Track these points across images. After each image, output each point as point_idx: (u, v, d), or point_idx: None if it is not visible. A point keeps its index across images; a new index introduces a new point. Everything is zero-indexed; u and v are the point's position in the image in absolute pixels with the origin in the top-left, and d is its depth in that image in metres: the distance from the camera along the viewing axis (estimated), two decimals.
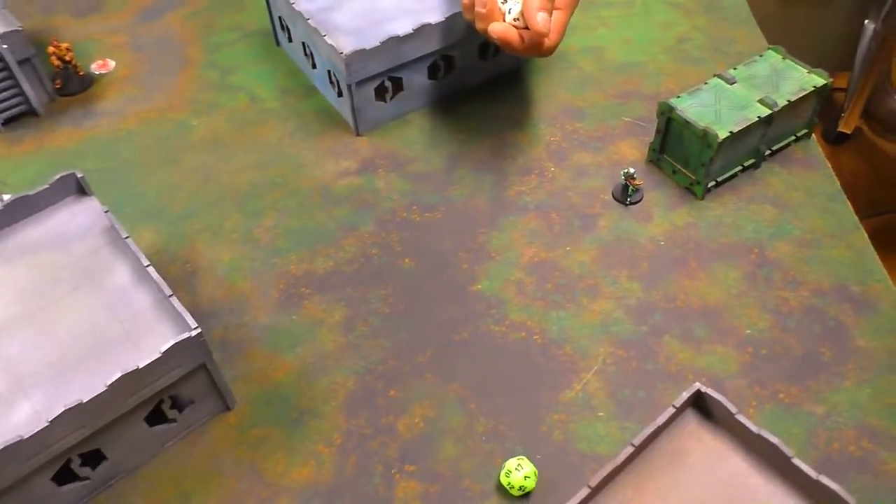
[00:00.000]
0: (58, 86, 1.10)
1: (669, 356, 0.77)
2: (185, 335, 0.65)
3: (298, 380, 0.77)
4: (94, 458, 0.67)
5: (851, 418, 0.71)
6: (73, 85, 1.10)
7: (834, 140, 2.53)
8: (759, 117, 0.86)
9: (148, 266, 0.70)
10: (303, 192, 0.95)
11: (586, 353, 0.77)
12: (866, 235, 0.85)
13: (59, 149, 1.02)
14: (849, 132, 1.81)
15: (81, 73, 1.11)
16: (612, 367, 0.76)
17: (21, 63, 1.03)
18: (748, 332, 0.78)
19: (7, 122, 1.05)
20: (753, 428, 0.57)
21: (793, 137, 0.95)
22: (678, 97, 0.90)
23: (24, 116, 1.06)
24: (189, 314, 0.67)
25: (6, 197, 0.89)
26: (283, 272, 0.86)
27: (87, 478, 0.67)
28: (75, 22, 1.25)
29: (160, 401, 0.68)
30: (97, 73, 1.14)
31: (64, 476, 0.65)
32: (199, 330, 0.65)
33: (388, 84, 0.99)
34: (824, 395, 0.73)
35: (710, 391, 0.59)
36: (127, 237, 0.73)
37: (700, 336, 0.78)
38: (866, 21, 2.04)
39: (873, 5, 2.07)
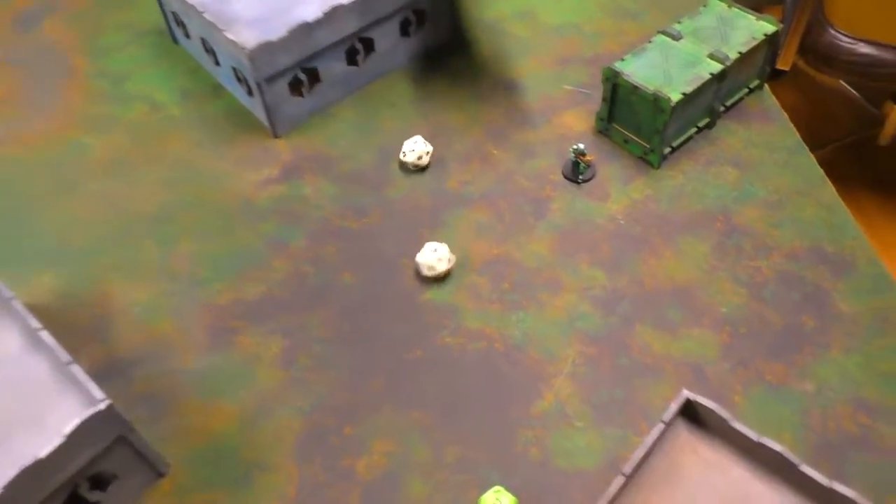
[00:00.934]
0: None
1: (644, 347, 0.70)
2: (93, 410, 0.55)
3: (240, 429, 0.68)
4: None
5: (843, 392, 0.66)
6: None
7: (771, 76, 2.50)
8: (711, 74, 0.79)
9: (40, 330, 0.60)
10: (221, 210, 0.85)
11: (554, 356, 0.70)
12: (834, 189, 0.80)
13: None
14: (787, 69, 1.77)
15: None
16: (583, 367, 0.69)
17: None
18: (724, 309, 0.72)
19: None
20: (753, 436, 0.51)
21: (746, 90, 0.89)
22: (623, 60, 0.82)
23: None
24: (93, 383, 0.57)
25: None
26: (209, 305, 0.76)
27: None
28: None
29: (76, 485, 0.58)
30: None
31: None
32: (107, 402, 0.56)
33: (302, 76, 0.89)
34: (812, 370, 0.67)
35: (699, 399, 0.52)
36: (12, 297, 0.62)
37: (674, 320, 0.72)
38: None
39: None
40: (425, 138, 0.89)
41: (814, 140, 2.32)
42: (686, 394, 0.53)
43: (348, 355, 0.72)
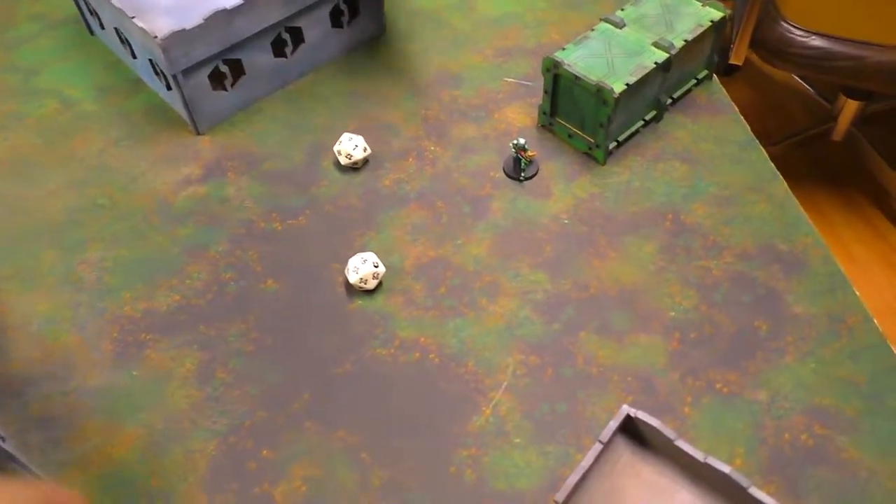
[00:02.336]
0: None
1: (589, 356, 0.66)
2: None
3: (146, 454, 0.61)
4: None
5: (798, 401, 0.62)
6: None
7: (724, 72, 2.50)
8: (656, 63, 0.75)
9: None
10: (135, 213, 0.78)
11: (493, 367, 0.65)
12: (786, 185, 0.76)
13: None
14: (739, 63, 1.75)
15: None
16: (524, 378, 0.64)
17: None
18: (672, 314, 0.68)
19: None
20: (699, 456, 0.46)
21: (694, 81, 0.85)
22: (563, 49, 0.77)
23: None
24: None
25: None
26: (117, 316, 0.70)
27: None
28: None
29: None
30: None
31: None
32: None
33: (224, 69, 0.83)
34: (765, 377, 0.63)
35: (641, 415, 0.48)
36: None
37: (620, 327, 0.67)
38: None
39: None
40: (358, 134, 0.83)
41: (768, 136, 2.32)
42: (626, 409, 0.48)
43: (270, 370, 0.66)
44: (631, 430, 0.50)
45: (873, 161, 2.18)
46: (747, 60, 1.76)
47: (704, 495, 0.47)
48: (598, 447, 0.47)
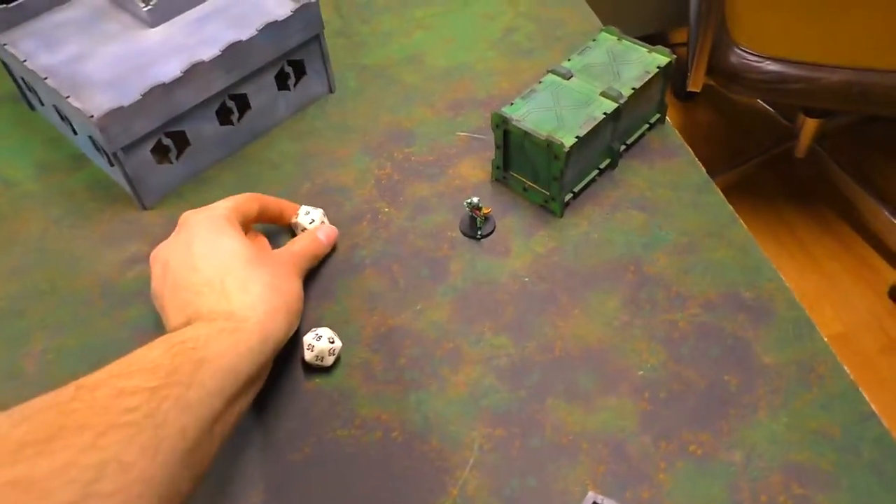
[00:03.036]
0: None
1: (557, 424, 0.63)
2: None
3: None
4: None
5: (774, 459, 0.60)
6: None
7: (685, 97, 2.52)
8: (605, 113, 0.74)
9: None
10: (79, 297, 0.75)
11: (458, 442, 0.63)
12: (746, 228, 0.75)
13: None
14: (697, 90, 1.76)
15: None
16: (490, 453, 0.62)
17: None
18: (641, 372, 0.66)
19: None
20: None
21: (646, 125, 0.84)
22: (511, 104, 0.76)
23: None
24: None
25: None
26: None
27: None
28: None
29: None
30: None
31: None
32: None
33: (167, 142, 0.80)
34: (739, 436, 0.61)
35: (607, 502, 0.45)
36: None
37: (588, 389, 0.65)
38: None
39: None
40: (306, 201, 0.81)
41: (733, 156, 2.33)
42: (592, 497, 0.46)
43: (219, 463, 0.62)
44: None
45: (837, 176, 2.21)
46: (709, 85, 1.77)
47: None
48: None
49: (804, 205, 2.20)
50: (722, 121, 2.46)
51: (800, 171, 2.28)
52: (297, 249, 0.71)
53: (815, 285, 2.00)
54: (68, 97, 0.75)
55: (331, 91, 0.94)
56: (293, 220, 0.77)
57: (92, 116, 0.72)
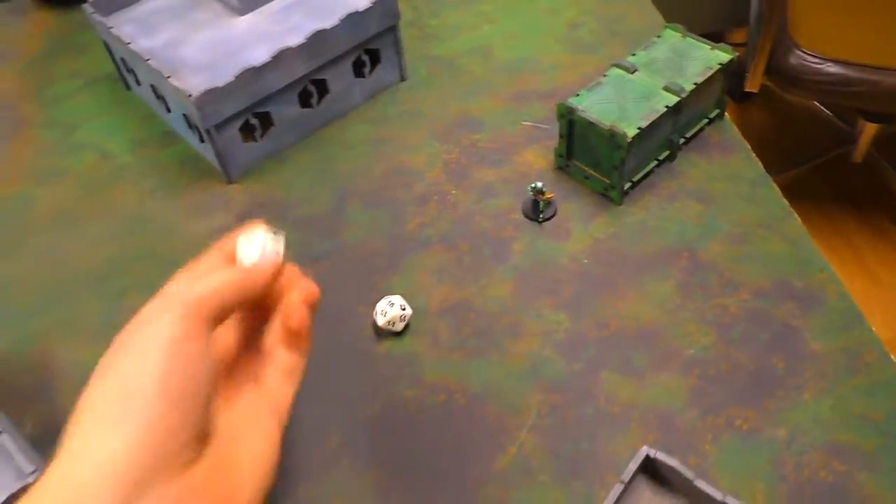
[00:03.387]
0: None
1: (610, 395, 0.68)
2: (21, 483, 0.52)
3: None
4: None
5: (817, 438, 0.63)
6: None
7: (740, 98, 2.51)
8: (667, 106, 0.78)
9: None
10: (172, 261, 0.81)
11: (517, 407, 0.67)
12: (800, 221, 0.78)
13: None
14: (755, 91, 1.77)
15: None
16: (547, 418, 0.67)
17: None
18: (691, 352, 0.70)
19: None
20: (718, 495, 0.48)
21: (705, 121, 0.87)
22: (577, 95, 0.81)
23: None
24: (23, 455, 0.53)
25: None
26: None
27: None
28: None
29: None
30: None
31: None
32: (37, 473, 0.52)
33: (254, 121, 0.87)
34: (784, 415, 0.65)
35: (661, 456, 0.50)
36: None
37: (640, 365, 0.69)
38: None
39: None
40: (380, 183, 0.86)
41: (788, 159, 2.33)
42: (646, 450, 0.50)
43: (302, 413, 0.68)
44: (651, 469, 0.51)
45: (895, 182, 2.18)
46: (765, 86, 1.78)
47: None
48: (619, 487, 0.49)
49: (858, 211, 2.18)
50: (777, 123, 2.45)
51: (855, 176, 2.26)
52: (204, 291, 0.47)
53: (866, 292, 1.99)
54: (169, 77, 0.82)
55: (402, 79, 1.00)
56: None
57: (190, 95, 0.79)
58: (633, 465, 0.50)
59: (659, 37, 0.87)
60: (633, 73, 0.82)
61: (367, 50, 0.93)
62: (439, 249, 0.80)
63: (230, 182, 0.89)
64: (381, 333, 0.74)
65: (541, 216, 0.81)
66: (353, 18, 0.87)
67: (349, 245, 0.82)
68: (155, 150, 0.95)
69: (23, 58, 1.11)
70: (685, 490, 0.50)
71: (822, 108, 2.43)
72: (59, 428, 0.69)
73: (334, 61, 0.90)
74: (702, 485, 0.48)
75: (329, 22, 0.86)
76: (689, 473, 0.49)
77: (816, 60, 1.69)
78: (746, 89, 1.79)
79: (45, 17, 1.20)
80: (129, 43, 0.87)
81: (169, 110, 0.93)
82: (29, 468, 0.53)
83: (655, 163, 0.83)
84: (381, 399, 0.69)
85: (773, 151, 2.37)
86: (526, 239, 0.80)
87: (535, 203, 0.81)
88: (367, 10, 0.88)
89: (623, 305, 0.74)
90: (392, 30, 0.94)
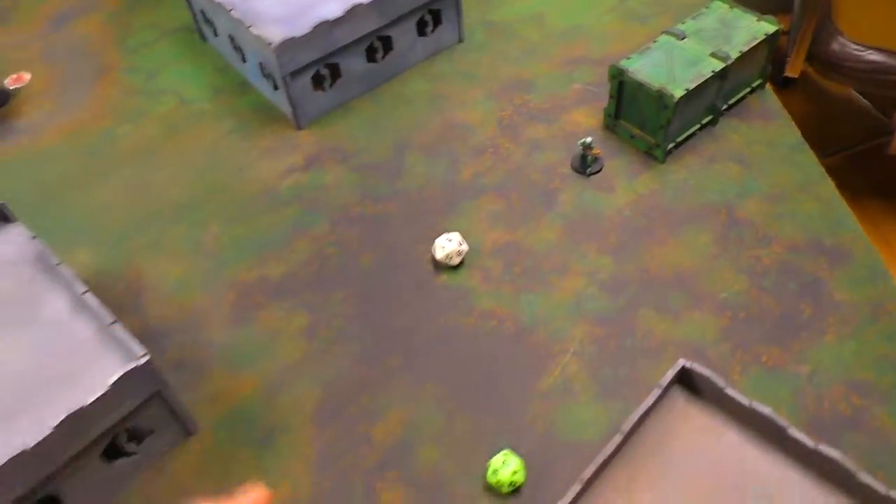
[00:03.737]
0: None
1: (647, 330, 0.74)
2: (133, 364, 0.60)
3: (263, 395, 0.72)
4: None
5: (838, 375, 0.69)
6: None
7: (781, 84, 2.53)
8: (713, 72, 0.83)
9: (86, 293, 0.64)
10: (246, 196, 0.90)
11: (562, 336, 0.74)
12: (833, 185, 0.83)
13: None
14: (795, 76, 1.80)
15: None
16: (589, 346, 0.73)
17: None
18: (724, 295, 0.76)
19: None
20: (744, 401, 0.54)
21: (748, 89, 0.92)
22: (628, 59, 0.86)
23: None
24: (136, 340, 0.61)
25: None
26: (236, 283, 0.81)
27: None
28: None
29: (115, 435, 0.62)
30: (12, 88, 1.06)
31: None
32: (147, 357, 0.60)
33: (324, 72, 0.94)
34: (808, 354, 0.71)
35: (696, 366, 0.56)
36: (59, 263, 0.67)
37: (676, 305, 0.76)
38: None
39: None
40: (437, 135, 0.93)
41: (823, 147, 2.35)
42: (683, 362, 0.56)
43: (367, 331, 0.76)
44: (686, 381, 0.58)
45: None
46: (804, 73, 1.81)
47: (749, 438, 0.55)
48: (657, 391, 0.56)
49: (891, 201, 2.20)
50: (816, 111, 2.47)
51: (889, 167, 2.27)
52: None
53: (884, 260, 2.02)
54: (250, 27, 0.89)
55: (460, 41, 1.06)
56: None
57: (270, 44, 0.86)
58: (671, 373, 0.56)
59: (707, 7, 0.92)
60: (681, 39, 0.88)
61: (430, 10, 0.99)
62: (492, 197, 0.87)
63: (299, 128, 0.96)
64: (439, 267, 0.81)
65: (588, 170, 0.87)
66: None
67: (408, 190, 0.89)
68: (230, 97, 1.02)
69: (104, 9, 1.19)
70: (715, 398, 0.56)
71: (860, 98, 2.45)
72: (147, 332, 0.77)
73: (400, 19, 0.96)
74: (732, 392, 0.55)
75: None
76: (720, 382, 0.55)
77: (858, 47, 1.72)
78: (787, 74, 1.82)
79: None
80: None
81: (244, 60, 1.00)
82: (140, 351, 0.60)
83: (698, 126, 0.89)
84: (438, 323, 0.76)
85: (810, 139, 2.39)
86: (573, 190, 0.87)
87: (584, 158, 0.87)
88: None
89: (662, 253, 0.80)
90: None
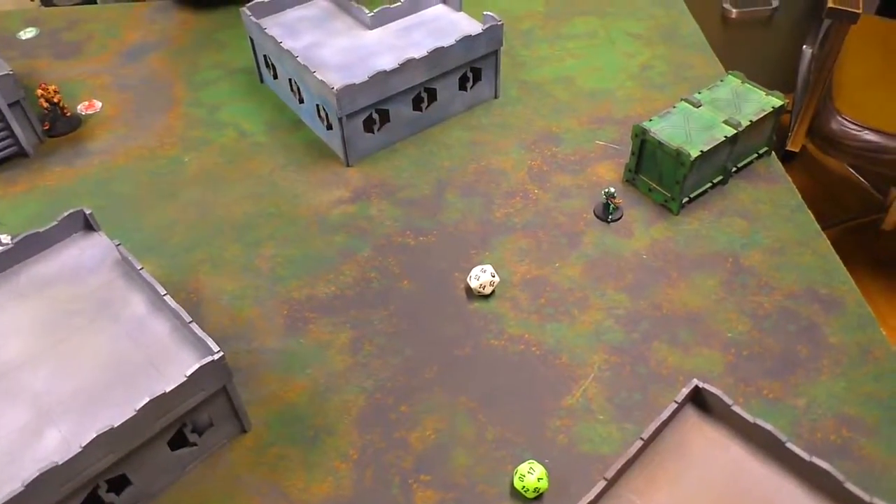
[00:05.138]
0: (46, 127, 1.11)
1: (660, 360, 0.82)
2: (209, 358, 0.67)
3: (311, 399, 0.79)
4: (119, 484, 0.68)
5: (830, 409, 0.77)
6: (61, 126, 1.12)
7: (782, 158, 2.66)
8: (725, 137, 0.94)
9: (165, 295, 0.73)
10: (299, 222, 0.99)
11: (582, 361, 0.82)
12: (829, 242, 0.93)
13: (53, 188, 1.04)
14: (796, 150, 1.92)
15: (68, 114, 1.13)
16: (607, 372, 0.81)
17: (11, 105, 1.04)
18: (729, 335, 0.84)
19: None
20: (749, 417, 0.62)
21: (755, 155, 1.03)
22: (650, 120, 0.97)
23: (14, 158, 1.08)
24: (210, 338, 0.69)
25: (4, 238, 0.90)
26: (287, 299, 0.89)
27: None
28: (57, 64, 1.27)
29: (182, 424, 0.70)
30: (84, 113, 1.16)
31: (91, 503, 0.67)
32: (221, 353, 0.68)
33: (375, 116, 1.04)
34: (804, 389, 0.79)
35: (707, 386, 0.64)
36: (141, 268, 0.75)
37: (686, 340, 0.84)
38: (804, 46, 2.19)
39: (810, 31, 2.22)
40: (473, 178, 1.03)
41: (820, 220, 2.46)
42: (696, 381, 0.64)
43: (407, 347, 0.84)
44: (698, 400, 0.66)
45: None
46: (804, 149, 1.93)
47: (752, 451, 0.63)
48: (672, 405, 0.64)
49: (884, 276, 2.30)
50: (813, 186, 2.59)
51: (883, 243, 2.38)
52: None
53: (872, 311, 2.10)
54: (315, 72, 1.00)
55: (496, 96, 1.17)
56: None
57: (333, 88, 0.97)
58: (686, 390, 0.64)
59: (721, 80, 1.03)
60: (698, 107, 0.98)
61: (472, 68, 1.11)
62: (522, 235, 0.96)
63: (348, 165, 1.06)
64: (473, 295, 0.89)
65: (610, 217, 0.97)
66: (467, 41, 1.05)
67: (447, 224, 0.98)
68: (284, 133, 1.12)
69: (173, 48, 1.30)
70: (723, 415, 0.64)
71: (857, 175, 2.58)
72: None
73: (445, 74, 1.07)
74: (738, 409, 0.63)
75: (447, 41, 1.04)
76: (728, 400, 0.63)
77: (856, 127, 1.84)
78: (788, 148, 1.94)
79: (187, 17, 1.39)
80: (280, 42, 1.05)
81: (301, 101, 1.11)
82: (216, 348, 0.68)
83: (710, 184, 0.99)
84: (471, 344, 0.84)
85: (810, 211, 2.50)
86: (595, 234, 0.96)
87: (606, 206, 0.97)
88: (479, 35, 1.06)
89: (674, 293, 0.89)
90: (494, 54, 1.11)
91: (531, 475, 0.70)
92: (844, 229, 2.43)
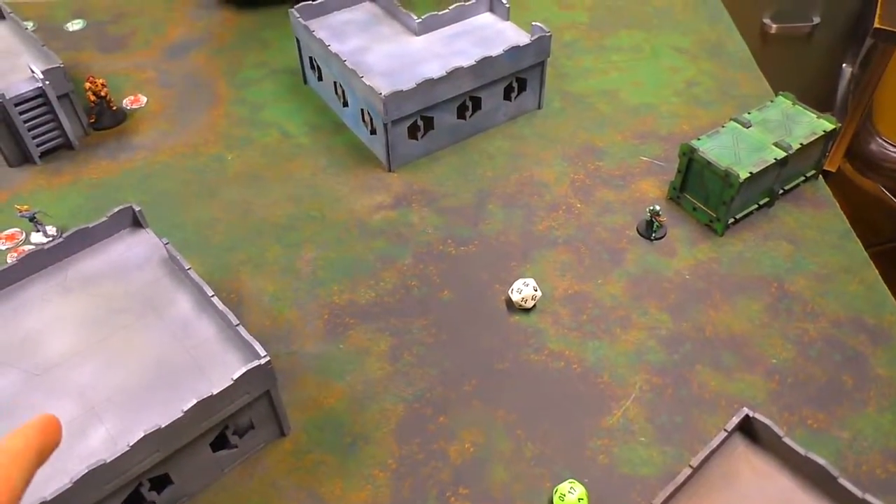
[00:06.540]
0: (92, 120, 1.12)
1: (702, 384, 0.81)
2: (256, 363, 0.67)
3: (350, 406, 0.79)
4: (160, 483, 0.69)
5: (876, 442, 0.76)
6: (106, 119, 1.13)
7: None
8: (775, 159, 0.92)
9: (213, 296, 0.73)
10: (339, 225, 0.99)
11: (623, 381, 0.81)
12: (877, 272, 0.91)
13: (97, 181, 1.04)
14: (833, 170, 1.90)
15: (114, 108, 1.14)
16: (648, 393, 0.80)
17: (60, 98, 1.05)
18: (774, 361, 0.83)
19: (43, 154, 1.07)
20: (801, 450, 0.61)
21: (803, 178, 1.01)
22: (699, 139, 0.96)
23: (60, 149, 1.09)
24: (258, 343, 0.69)
25: (51, 230, 0.91)
26: (327, 302, 0.89)
27: (153, 502, 0.68)
28: (101, 58, 1.28)
29: (225, 426, 0.70)
30: (130, 108, 1.17)
31: (132, 501, 0.67)
32: (267, 358, 0.68)
33: (420, 123, 1.04)
34: (849, 421, 0.77)
35: (757, 416, 0.63)
36: (189, 268, 0.76)
37: (729, 364, 0.83)
38: (844, 65, 2.16)
39: (850, 50, 2.19)
40: (515, 189, 1.02)
41: None
42: (746, 410, 0.63)
43: (446, 358, 0.83)
44: (747, 430, 0.65)
45: None
46: (840, 171, 1.91)
47: (802, 484, 0.62)
48: (722, 434, 0.63)
49: None
50: (844, 206, 2.55)
51: None
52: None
53: None
54: (362, 77, 0.99)
55: (539, 107, 1.16)
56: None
57: (381, 94, 0.96)
58: (735, 419, 0.63)
59: (772, 101, 1.02)
60: (748, 127, 0.97)
61: (517, 78, 1.10)
62: (564, 249, 0.96)
63: (390, 170, 1.06)
64: (513, 308, 0.89)
65: (653, 235, 0.96)
66: (515, 51, 1.04)
67: (488, 235, 0.97)
68: (326, 135, 1.12)
69: (216, 46, 1.30)
70: (773, 446, 0.63)
71: (891, 197, 2.54)
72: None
73: (490, 84, 1.07)
74: (788, 441, 0.62)
75: (495, 51, 1.04)
76: (779, 431, 0.62)
77: (895, 149, 1.82)
78: (824, 167, 1.91)
79: (230, 15, 1.40)
80: (329, 45, 1.05)
81: (345, 105, 1.10)
82: (262, 352, 0.68)
83: (756, 206, 0.98)
84: (510, 358, 0.84)
85: None
86: (638, 252, 0.95)
87: (650, 223, 0.96)
88: (527, 45, 1.05)
89: (717, 315, 0.88)
90: (541, 65, 1.11)
91: (571, 494, 0.70)
92: (875, 253, 2.39)
